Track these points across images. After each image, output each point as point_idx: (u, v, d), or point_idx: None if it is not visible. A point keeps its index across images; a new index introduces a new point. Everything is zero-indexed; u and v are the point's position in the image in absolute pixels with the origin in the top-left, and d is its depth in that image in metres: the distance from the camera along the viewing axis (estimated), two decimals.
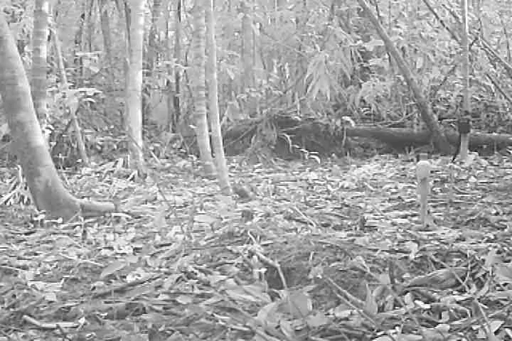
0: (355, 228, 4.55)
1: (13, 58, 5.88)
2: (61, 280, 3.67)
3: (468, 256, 3.35)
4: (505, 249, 3.45)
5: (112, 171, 9.01)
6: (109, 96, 13.86)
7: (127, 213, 5.76)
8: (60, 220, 5.63)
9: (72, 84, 11.01)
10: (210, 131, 8.20)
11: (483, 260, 3.25)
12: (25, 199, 6.81)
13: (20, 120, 5.86)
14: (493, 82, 11.88)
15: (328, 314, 2.82)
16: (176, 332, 2.71)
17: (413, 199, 5.95)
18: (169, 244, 4.35)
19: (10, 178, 7.77)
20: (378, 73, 12.85)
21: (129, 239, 4.67)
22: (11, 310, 3.11)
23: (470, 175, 7.63)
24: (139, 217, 5.74)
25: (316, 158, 10.38)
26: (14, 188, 7.03)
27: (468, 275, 3.14)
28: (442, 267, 3.25)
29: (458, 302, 2.82)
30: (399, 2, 13.16)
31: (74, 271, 3.84)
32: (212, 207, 5.92)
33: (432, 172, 6.51)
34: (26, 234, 5.43)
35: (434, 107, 11.63)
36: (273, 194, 6.99)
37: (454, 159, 9.38)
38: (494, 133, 11.23)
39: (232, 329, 2.68)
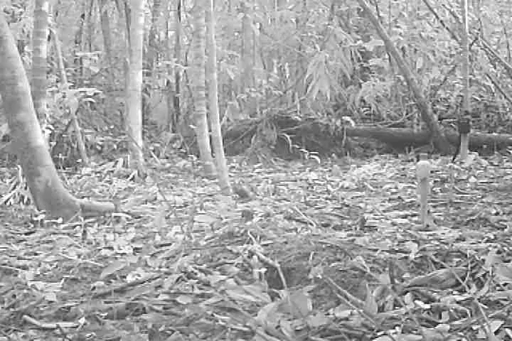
0: (355, 228, 4.55)
1: (13, 58, 5.88)
2: (61, 280, 3.67)
3: (468, 256, 3.35)
4: (505, 249, 3.45)
5: (112, 171, 9.01)
6: (109, 96, 13.86)
7: (127, 213, 5.75)
8: (60, 220, 5.63)
9: (72, 84, 11.01)
10: (210, 131, 8.20)
11: (483, 260, 3.25)
12: (25, 199, 6.80)
13: (20, 120, 5.85)
14: (493, 82, 11.88)
15: (328, 314, 2.82)
16: (175, 332, 2.71)
17: (413, 199, 5.95)
18: (169, 244, 4.35)
19: (10, 178, 7.77)
20: (378, 73, 12.86)
21: (129, 239, 4.67)
22: (11, 310, 3.11)
23: (470, 175, 7.63)
24: (139, 217, 5.73)
25: (316, 158, 10.38)
26: (14, 188, 7.03)
27: (468, 275, 3.14)
28: (442, 267, 3.25)
29: (458, 302, 2.82)
30: (399, 2, 13.16)
31: (74, 271, 3.84)
32: (212, 207, 5.92)
33: (432, 172, 6.51)
34: (26, 234, 5.43)
35: (434, 107, 11.64)
36: (273, 194, 6.98)
37: (454, 159, 9.38)
38: (494, 133, 11.24)
39: (232, 329, 2.68)
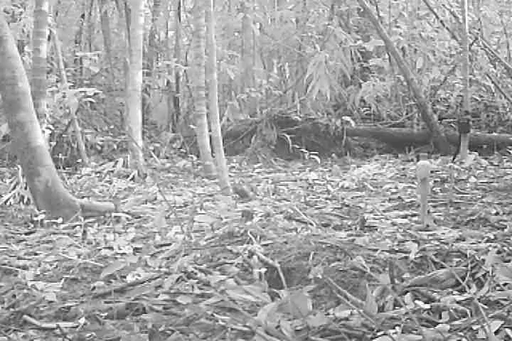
0: (355, 228, 4.55)
1: (13, 58, 5.88)
2: (61, 280, 3.67)
3: (468, 256, 3.36)
4: (505, 248, 3.45)
5: (112, 171, 9.01)
6: (109, 96, 13.86)
7: (127, 213, 5.75)
8: (60, 220, 5.63)
9: (72, 84, 11.01)
10: (210, 131, 8.20)
11: (483, 260, 3.25)
12: (25, 199, 6.80)
13: (20, 120, 5.85)
14: (493, 82, 11.89)
15: (328, 314, 2.82)
16: (176, 332, 2.71)
17: (413, 199, 5.95)
18: (169, 244, 4.35)
19: (10, 178, 7.77)
20: (378, 73, 12.86)
21: (129, 239, 4.67)
22: (11, 310, 3.11)
23: (470, 175, 7.63)
24: (139, 217, 5.73)
25: (316, 158, 10.38)
26: (14, 188, 7.03)
27: (468, 275, 3.14)
28: (442, 267, 3.25)
29: (458, 302, 2.82)
30: (399, 2, 13.16)
31: (74, 271, 3.84)
32: (212, 207, 5.92)
33: (432, 172, 6.51)
34: (26, 234, 5.43)
35: (434, 107, 11.64)
36: (273, 194, 6.98)
37: (454, 159, 9.38)
38: (494, 133, 11.24)
39: (232, 329, 2.68)
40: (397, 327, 2.52)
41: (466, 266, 3.23)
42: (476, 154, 9.52)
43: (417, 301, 2.85)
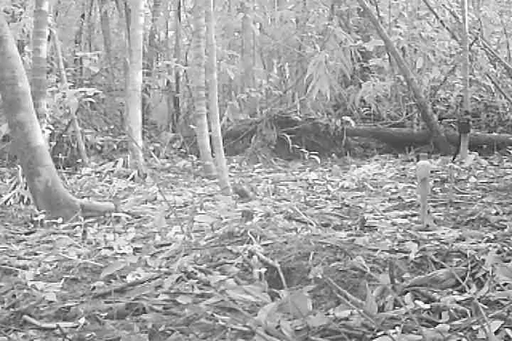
0: (355, 228, 4.55)
1: (13, 58, 5.88)
2: (61, 280, 3.67)
3: (468, 256, 3.35)
4: (505, 248, 3.45)
5: (112, 171, 9.01)
6: (109, 96, 13.86)
7: (127, 213, 5.75)
8: (60, 220, 5.63)
9: (72, 84, 11.01)
10: (210, 131, 8.20)
11: (483, 260, 3.25)
12: (25, 199, 6.81)
13: (20, 120, 5.86)
14: (493, 82, 11.88)
15: (328, 314, 2.82)
16: (175, 332, 2.71)
17: (413, 199, 5.95)
18: (169, 244, 4.35)
19: (10, 178, 7.77)
20: (378, 73, 12.85)
21: (129, 239, 4.67)
22: (11, 310, 3.11)
23: (470, 175, 7.63)
24: (139, 217, 5.73)
25: (316, 158, 10.38)
26: (14, 188, 7.03)
27: (468, 275, 3.14)
28: (442, 267, 3.25)
29: (458, 302, 2.82)
30: (399, 2, 13.16)
31: (74, 271, 3.84)
32: (212, 207, 5.92)
33: (431, 172, 6.51)
34: (26, 234, 5.43)
35: (434, 107, 11.64)
36: (273, 194, 6.98)
37: (454, 159, 9.38)
38: (494, 133, 11.24)
39: (232, 329, 2.68)
40: (397, 327, 2.52)
41: (466, 266, 3.23)
42: (476, 154, 9.51)
43: (417, 301, 2.85)
